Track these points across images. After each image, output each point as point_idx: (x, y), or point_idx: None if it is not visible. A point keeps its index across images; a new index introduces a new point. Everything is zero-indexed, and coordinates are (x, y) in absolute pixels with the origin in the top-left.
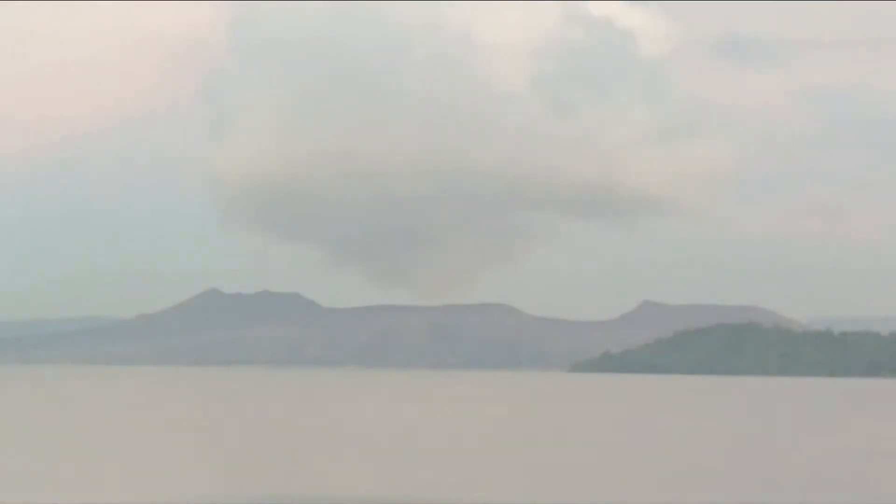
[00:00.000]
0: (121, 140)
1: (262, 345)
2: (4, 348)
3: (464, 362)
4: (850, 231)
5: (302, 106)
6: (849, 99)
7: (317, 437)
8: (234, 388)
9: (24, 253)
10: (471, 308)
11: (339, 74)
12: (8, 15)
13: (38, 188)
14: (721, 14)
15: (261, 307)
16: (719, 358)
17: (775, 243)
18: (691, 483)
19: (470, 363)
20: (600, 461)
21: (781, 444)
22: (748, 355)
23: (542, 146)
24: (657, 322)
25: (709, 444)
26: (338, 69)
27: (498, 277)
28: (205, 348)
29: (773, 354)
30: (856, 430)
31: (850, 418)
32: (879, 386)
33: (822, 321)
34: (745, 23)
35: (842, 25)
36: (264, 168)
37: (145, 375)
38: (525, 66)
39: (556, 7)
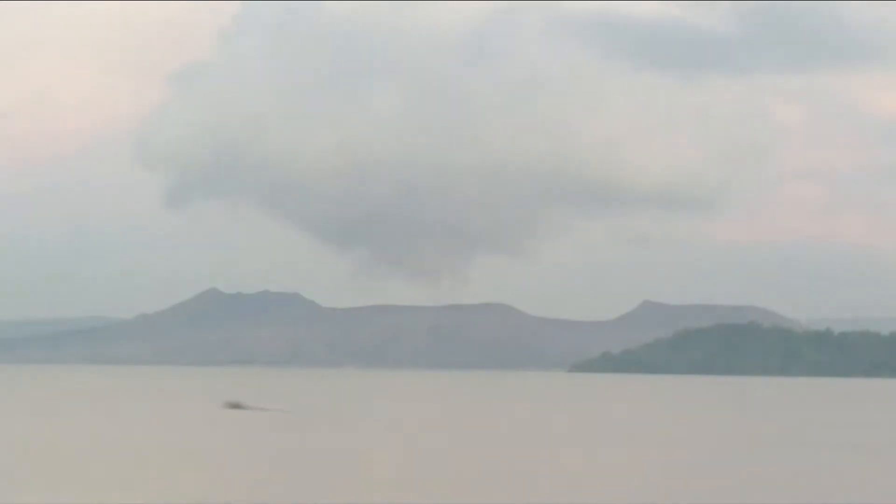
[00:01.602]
0: (117, 139)
1: (262, 345)
2: (4, 348)
3: (464, 362)
4: (850, 231)
5: (297, 98)
6: (844, 99)
7: (315, 439)
8: (234, 387)
9: (25, 253)
10: (471, 308)
11: (336, 64)
12: None
13: (37, 188)
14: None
15: (261, 307)
16: (719, 358)
17: (775, 243)
18: (691, 483)
19: (470, 363)
20: (600, 461)
21: (781, 444)
22: (748, 355)
23: (546, 142)
24: (657, 322)
25: (708, 445)
26: (336, 58)
27: (499, 277)
28: (205, 348)
29: (773, 354)
30: (855, 430)
31: (849, 418)
32: (879, 386)
33: (822, 321)
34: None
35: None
36: (263, 162)
37: (145, 375)
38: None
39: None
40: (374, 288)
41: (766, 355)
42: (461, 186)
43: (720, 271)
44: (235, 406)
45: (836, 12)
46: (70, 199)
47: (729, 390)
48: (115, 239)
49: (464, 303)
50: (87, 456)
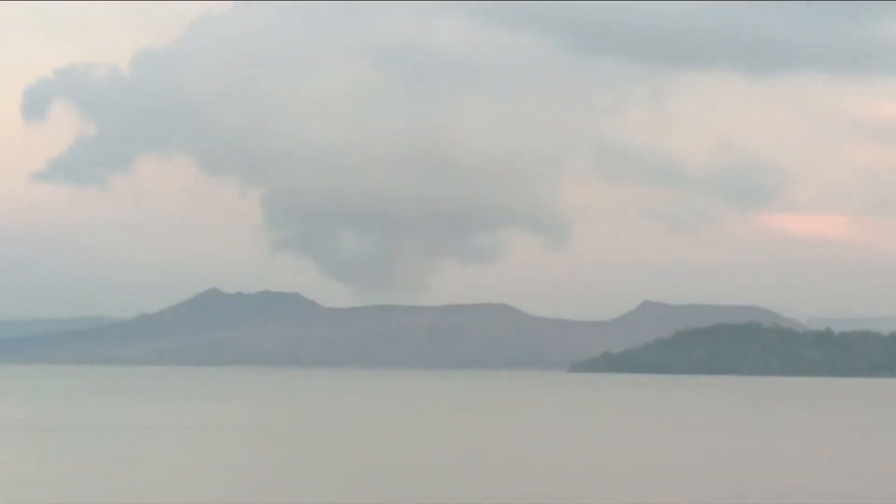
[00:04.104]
0: None
1: (262, 345)
2: (4, 348)
3: (464, 362)
4: (851, 231)
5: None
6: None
7: (319, 440)
8: (234, 388)
9: (25, 253)
10: (471, 308)
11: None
12: None
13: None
14: None
15: (261, 307)
16: (719, 358)
17: (776, 243)
18: (691, 483)
19: (470, 363)
20: (601, 462)
21: (781, 444)
22: (748, 355)
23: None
24: (657, 322)
25: (709, 444)
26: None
27: (498, 277)
28: (205, 348)
29: (773, 354)
30: (855, 430)
31: (849, 418)
32: (879, 386)
33: (822, 321)
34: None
35: None
36: (264, 157)
37: (145, 375)
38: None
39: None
40: (373, 289)
41: (766, 355)
42: (460, 188)
43: (720, 271)
44: None
45: None
46: (69, 197)
47: (729, 390)
48: (116, 238)
49: (464, 303)
50: None
